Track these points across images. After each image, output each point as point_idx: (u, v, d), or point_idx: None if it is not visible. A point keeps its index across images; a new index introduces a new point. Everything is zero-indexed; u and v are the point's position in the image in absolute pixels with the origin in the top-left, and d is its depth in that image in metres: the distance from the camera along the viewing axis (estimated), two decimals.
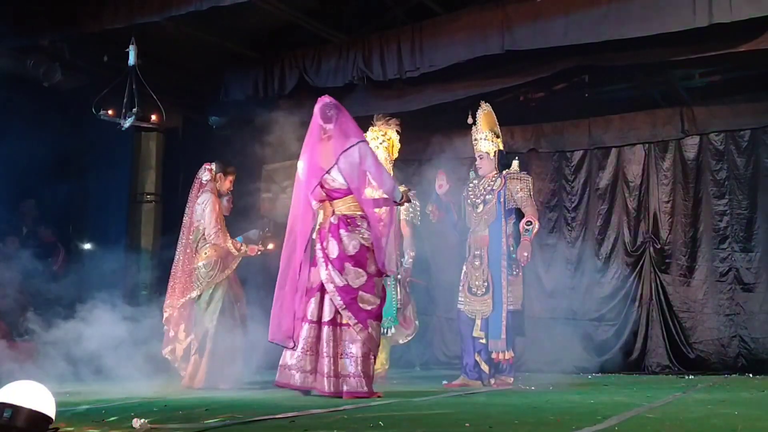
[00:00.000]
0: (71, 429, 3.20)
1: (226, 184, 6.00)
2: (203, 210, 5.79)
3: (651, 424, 3.39)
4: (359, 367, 4.70)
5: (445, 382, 6.10)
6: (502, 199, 6.03)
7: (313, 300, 4.81)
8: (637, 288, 8.35)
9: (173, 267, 5.98)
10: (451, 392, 5.37)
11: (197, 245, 5.86)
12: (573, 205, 8.75)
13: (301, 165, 4.98)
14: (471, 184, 6.27)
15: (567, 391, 5.42)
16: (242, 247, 5.88)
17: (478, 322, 5.90)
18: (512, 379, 5.99)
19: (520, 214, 6.07)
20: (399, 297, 6.38)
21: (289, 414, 3.71)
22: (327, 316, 4.79)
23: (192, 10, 6.07)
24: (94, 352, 7.00)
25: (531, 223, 5.90)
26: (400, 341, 6.62)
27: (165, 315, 5.93)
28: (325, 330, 4.78)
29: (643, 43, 6.34)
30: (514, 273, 5.98)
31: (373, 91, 7.52)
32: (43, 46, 7.12)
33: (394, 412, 3.98)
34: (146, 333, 8.35)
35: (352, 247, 4.81)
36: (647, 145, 8.51)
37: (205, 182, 5.91)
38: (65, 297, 7.21)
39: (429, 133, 8.42)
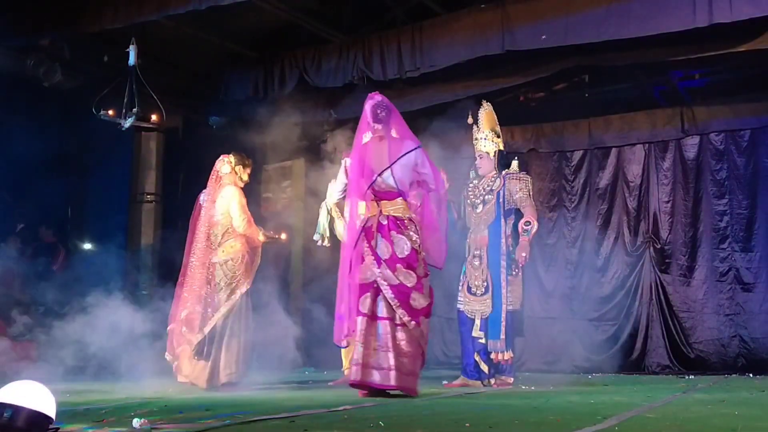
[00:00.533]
0: (71, 429, 3.20)
1: (245, 176, 5.88)
2: (229, 203, 5.66)
3: (651, 424, 3.39)
4: (410, 366, 4.73)
5: (445, 382, 6.09)
6: (501, 200, 6.03)
7: (367, 295, 4.79)
8: (637, 288, 8.35)
9: (189, 262, 5.77)
10: (451, 392, 5.38)
11: (219, 240, 5.67)
12: (573, 205, 8.76)
13: (347, 163, 4.98)
14: (471, 184, 6.26)
15: (567, 391, 5.42)
16: (269, 233, 5.85)
17: (478, 322, 5.90)
18: (512, 379, 5.99)
19: (519, 215, 6.07)
20: None
21: (289, 414, 3.71)
22: (382, 312, 4.78)
23: (191, 9, 6.07)
24: (94, 351, 7.01)
25: (530, 223, 5.90)
26: None
27: (182, 313, 5.76)
28: (381, 325, 4.76)
29: (643, 43, 6.34)
30: (514, 273, 5.98)
31: (372, 91, 7.51)
32: (43, 46, 7.12)
33: (394, 412, 3.98)
34: (146, 333, 8.36)
35: (403, 250, 4.84)
36: (647, 145, 8.51)
37: (223, 174, 5.78)
38: (65, 297, 7.21)
39: (429, 132, 8.41)
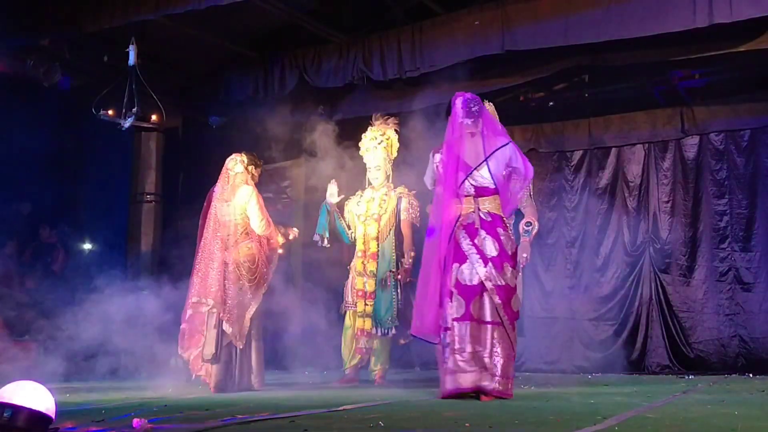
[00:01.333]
0: (71, 429, 3.19)
1: (256, 176, 5.78)
2: (246, 204, 5.53)
3: (651, 424, 3.39)
4: (511, 371, 4.64)
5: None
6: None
7: (475, 300, 4.62)
8: (637, 288, 8.34)
9: (201, 263, 5.61)
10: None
11: (235, 240, 5.52)
12: (573, 205, 8.75)
13: (438, 158, 4.87)
14: None
15: (567, 391, 5.42)
16: (288, 233, 5.82)
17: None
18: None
19: (519, 215, 6.06)
20: (400, 297, 6.38)
21: (289, 414, 3.71)
22: (489, 316, 4.61)
23: (190, 8, 6.07)
24: (95, 351, 7.02)
25: (531, 224, 5.88)
26: (401, 341, 6.62)
27: (195, 312, 5.59)
28: (487, 330, 4.60)
29: (643, 43, 6.34)
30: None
31: (373, 91, 7.53)
32: (43, 46, 7.13)
33: (394, 412, 3.98)
34: (147, 333, 8.35)
35: (509, 248, 4.78)
36: (647, 145, 8.50)
37: (235, 174, 5.64)
38: (65, 297, 7.22)
39: (429, 132, 8.41)
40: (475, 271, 4.62)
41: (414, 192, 6.57)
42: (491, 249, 4.69)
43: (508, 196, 4.95)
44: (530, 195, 6.10)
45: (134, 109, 7.08)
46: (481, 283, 4.61)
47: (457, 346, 4.52)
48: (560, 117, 8.72)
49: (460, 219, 4.75)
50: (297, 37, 7.74)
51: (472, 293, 4.59)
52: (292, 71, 7.59)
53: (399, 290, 6.38)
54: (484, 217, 4.77)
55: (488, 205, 4.81)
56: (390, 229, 6.42)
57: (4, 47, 6.83)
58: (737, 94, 8.02)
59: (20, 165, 7.18)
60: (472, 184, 4.77)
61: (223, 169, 5.70)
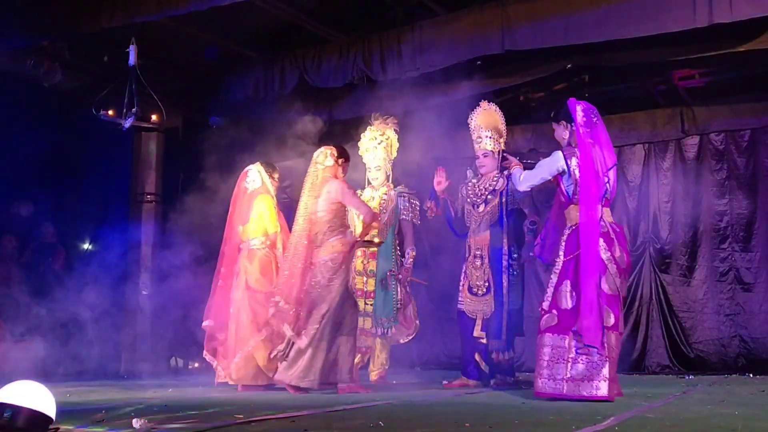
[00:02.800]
0: (71, 429, 3.20)
1: (346, 169, 5.67)
2: (342, 196, 5.36)
3: (651, 424, 3.39)
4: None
5: (445, 382, 6.10)
6: (504, 199, 6.02)
7: (621, 309, 4.72)
8: (637, 288, 8.34)
9: (287, 261, 5.49)
10: (451, 392, 5.38)
11: (322, 238, 5.39)
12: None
13: (575, 162, 4.84)
14: (470, 183, 6.26)
15: None
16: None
17: (479, 322, 5.89)
18: (512, 379, 5.99)
19: (518, 214, 6.07)
20: (400, 297, 6.39)
21: (289, 414, 3.71)
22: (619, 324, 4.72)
23: (191, 10, 6.07)
24: (95, 351, 7.02)
25: (535, 222, 5.90)
26: (401, 341, 6.63)
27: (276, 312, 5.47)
28: (613, 337, 4.64)
29: (643, 43, 6.34)
30: (515, 273, 5.98)
31: (373, 91, 7.53)
32: (43, 46, 7.12)
33: (394, 412, 3.98)
34: (147, 332, 8.38)
35: (625, 259, 4.85)
36: (647, 145, 8.51)
37: (324, 167, 5.47)
38: (66, 297, 7.22)
39: (428, 132, 8.41)
40: (615, 283, 4.69)
41: (414, 192, 6.58)
42: (622, 261, 4.77)
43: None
44: (532, 195, 6.11)
45: (134, 110, 7.08)
46: (619, 295, 4.70)
47: (613, 354, 4.59)
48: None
49: (602, 228, 4.74)
50: (297, 37, 7.74)
51: (617, 306, 4.67)
52: (292, 71, 7.59)
53: (399, 290, 6.39)
54: (615, 228, 4.84)
55: (607, 216, 4.87)
56: (390, 229, 6.43)
57: (4, 47, 6.83)
58: (737, 94, 8.02)
59: (20, 165, 7.18)
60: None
61: (312, 163, 5.54)
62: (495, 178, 6.12)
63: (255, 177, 6.00)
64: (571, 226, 4.84)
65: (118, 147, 8.09)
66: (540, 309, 4.86)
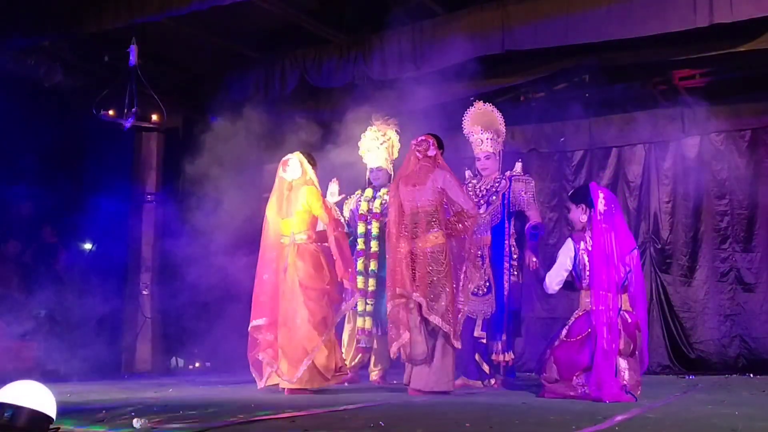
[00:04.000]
0: (71, 429, 3.20)
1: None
2: (448, 187, 5.20)
3: (651, 424, 3.39)
4: None
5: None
6: (506, 201, 6.02)
7: None
8: None
9: (388, 257, 5.41)
10: (451, 392, 5.37)
11: (423, 229, 5.21)
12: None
13: (582, 246, 5.11)
14: (470, 184, 6.25)
15: None
16: None
17: (479, 322, 5.89)
18: (512, 379, 5.99)
19: (519, 216, 6.07)
20: None
21: (289, 414, 3.71)
22: None
23: (192, 9, 6.07)
24: (95, 351, 7.02)
25: (537, 227, 5.89)
26: None
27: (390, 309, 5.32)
28: None
29: (643, 43, 6.33)
30: (515, 274, 5.98)
31: (373, 91, 7.53)
32: (44, 46, 7.12)
33: (394, 412, 3.98)
34: (147, 332, 8.37)
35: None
36: (647, 145, 8.50)
37: (431, 156, 5.31)
38: (66, 297, 7.22)
39: (428, 132, 8.41)
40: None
41: None
42: (627, 350, 4.89)
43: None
44: (534, 197, 6.12)
45: (134, 109, 7.08)
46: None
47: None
48: (560, 117, 8.71)
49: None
50: (297, 37, 7.73)
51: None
52: (292, 71, 7.59)
53: None
54: (625, 317, 4.93)
55: (627, 304, 5.00)
56: None
57: (4, 47, 6.83)
58: (737, 94, 8.01)
59: (20, 165, 7.18)
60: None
61: (410, 153, 5.40)
62: (497, 180, 6.11)
63: (296, 166, 5.55)
64: (582, 311, 4.98)
65: (119, 147, 8.09)
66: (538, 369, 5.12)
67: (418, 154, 5.33)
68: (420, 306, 5.10)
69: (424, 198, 5.20)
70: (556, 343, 4.96)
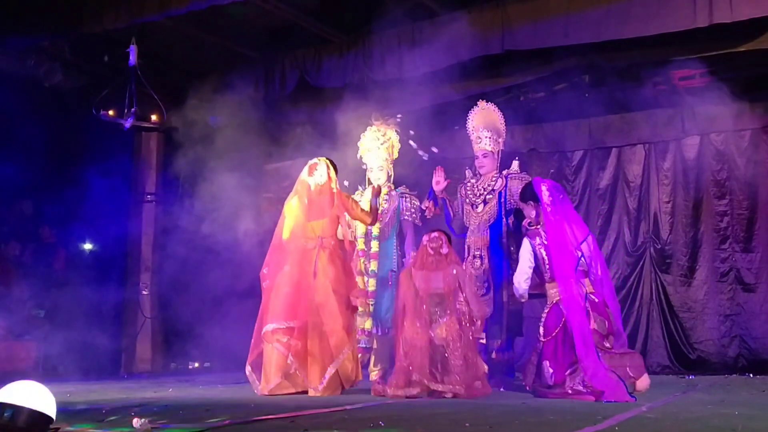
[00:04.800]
0: (71, 429, 3.20)
1: None
2: (463, 282, 5.37)
3: (651, 424, 3.39)
4: None
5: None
6: (503, 199, 6.03)
7: None
8: (638, 288, 8.34)
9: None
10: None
11: None
12: (573, 205, 8.71)
13: (538, 242, 5.22)
14: (469, 183, 6.26)
15: None
16: None
17: (479, 322, 5.89)
18: (512, 379, 5.99)
19: (517, 215, 6.07)
20: None
21: (289, 414, 3.71)
22: None
23: (192, 9, 6.07)
24: (95, 351, 7.02)
25: (533, 223, 5.89)
26: None
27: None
28: None
29: (643, 43, 6.33)
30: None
31: (373, 91, 7.53)
32: (44, 46, 7.12)
33: (394, 412, 3.98)
34: (147, 333, 8.37)
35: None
36: (647, 145, 8.50)
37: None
38: (66, 297, 7.22)
39: (428, 132, 8.41)
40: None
41: (415, 192, 6.58)
42: (603, 328, 5.09)
43: None
44: None
45: (134, 109, 7.08)
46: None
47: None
48: (560, 117, 8.71)
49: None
50: (297, 37, 7.73)
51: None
52: (292, 71, 7.58)
53: None
54: (592, 298, 5.11)
55: (590, 287, 5.17)
56: (392, 229, 6.43)
57: (4, 47, 6.83)
58: (737, 94, 8.01)
59: (20, 165, 7.18)
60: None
61: (422, 248, 5.46)
62: (494, 178, 6.12)
63: (323, 171, 5.56)
64: (550, 304, 5.07)
65: (118, 147, 8.09)
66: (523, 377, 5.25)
67: (430, 251, 5.33)
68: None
69: (438, 283, 5.23)
70: (540, 346, 5.02)
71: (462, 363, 5.01)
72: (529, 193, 5.30)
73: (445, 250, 5.32)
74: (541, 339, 5.03)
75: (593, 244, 5.25)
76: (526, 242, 5.25)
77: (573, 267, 4.96)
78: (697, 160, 8.23)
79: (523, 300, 5.43)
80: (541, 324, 5.06)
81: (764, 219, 7.87)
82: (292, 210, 5.52)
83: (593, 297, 5.05)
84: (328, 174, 5.55)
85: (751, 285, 7.85)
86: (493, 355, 5.88)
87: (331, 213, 5.47)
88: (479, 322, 5.40)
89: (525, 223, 5.94)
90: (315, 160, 5.63)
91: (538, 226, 5.23)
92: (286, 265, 5.44)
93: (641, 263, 8.37)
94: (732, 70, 7.73)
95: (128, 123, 7.15)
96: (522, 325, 6.16)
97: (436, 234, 5.39)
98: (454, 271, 5.24)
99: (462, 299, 5.25)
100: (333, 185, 5.56)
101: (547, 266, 5.10)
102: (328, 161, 5.63)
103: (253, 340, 5.43)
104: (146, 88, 7.08)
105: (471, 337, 5.22)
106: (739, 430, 3.12)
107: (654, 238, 8.33)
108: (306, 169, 5.60)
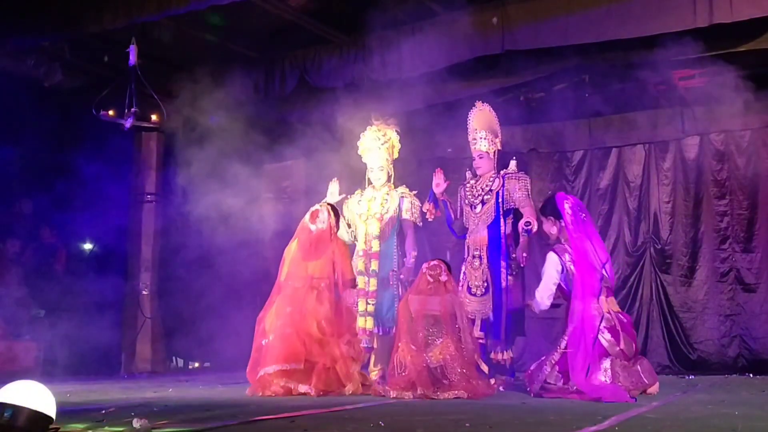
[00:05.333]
0: (71, 429, 3.20)
1: None
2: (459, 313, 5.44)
3: (651, 424, 3.39)
4: None
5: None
6: (500, 199, 6.03)
7: None
8: (638, 288, 8.34)
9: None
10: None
11: None
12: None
13: (568, 258, 5.21)
14: (468, 184, 6.27)
15: None
16: None
17: (478, 322, 5.90)
18: (512, 379, 5.99)
19: (517, 214, 6.07)
20: (402, 296, 6.37)
21: (289, 414, 3.71)
22: None
23: (191, 9, 6.07)
24: (96, 351, 7.02)
25: (530, 223, 5.89)
26: None
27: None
28: None
29: (643, 43, 6.33)
30: (514, 273, 5.98)
31: (373, 91, 7.53)
32: (44, 46, 7.12)
33: (394, 412, 3.98)
34: (147, 332, 8.37)
35: None
36: (647, 145, 8.50)
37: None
38: (66, 297, 7.22)
39: (428, 132, 8.41)
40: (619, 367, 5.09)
41: (415, 192, 6.58)
42: (630, 351, 5.11)
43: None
44: (528, 195, 6.12)
45: (134, 109, 7.07)
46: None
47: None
48: (560, 117, 8.71)
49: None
50: (297, 37, 7.73)
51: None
52: (292, 71, 7.58)
53: (401, 290, 6.37)
54: (621, 318, 5.18)
55: (615, 305, 5.30)
56: (392, 229, 6.42)
57: (4, 47, 6.83)
58: (737, 93, 8.00)
59: (20, 165, 7.18)
60: None
61: (422, 276, 5.52)
62: (491, 179, 6.13)
63: (324, 218, 5.77)
64: (574, 323, 5.02)
65: (118, 147, 8.09)
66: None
67: (429, 278, 5.38)
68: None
69: (434, 305, 5.27)
70: (556, 356, 5.01)
71: (460, 378, 5.04)
72: (550, 208, 5.30)
73: (444, 277, 5.38)
74: (562, 350, 5.01)
75: (610, 270, 5.26)
76: (553, 257, 5.20)
77: (596, 286, 4.94)
78: (697, 160, 8.23)
79: (541, 308, 5.39)
80: (564, 340, 5.04)
81: (764, 219, 7.87)
82: (290, 253, 5.75)
83: (621, 317, 5.04)
84: (329, 221, 5.78)
85: (751, 285, 7.85)
86: (493, 355, 5.88)
87: (327, 255, 5.67)
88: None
89: (521, 224, 5.94)
90: (317, 206, 5.87)
91: (564, 243, 5.21)
92: (274, 305, 5.60)
93: (641, 263, 8.37)
94: (732, 70, 7.73)
95: (128, 123, 7.14)
96: (523, 324, 6.15)
97: (435, 262, 5.49)
98: (451, 299, 5.32)
99: (458, 325, 5.29)
100: (335, 230, 5.84)
101: (574, 282, 5.07)
102: (329, 207, 5.86)
103: (249, 366, 5.44)
104: (146, 88, 7.07)
105: (469, 355, 5.23)
106: (739, 430, 3.12)
107: (654, 238, 8.33)
108: (308, 215, 5.83)
